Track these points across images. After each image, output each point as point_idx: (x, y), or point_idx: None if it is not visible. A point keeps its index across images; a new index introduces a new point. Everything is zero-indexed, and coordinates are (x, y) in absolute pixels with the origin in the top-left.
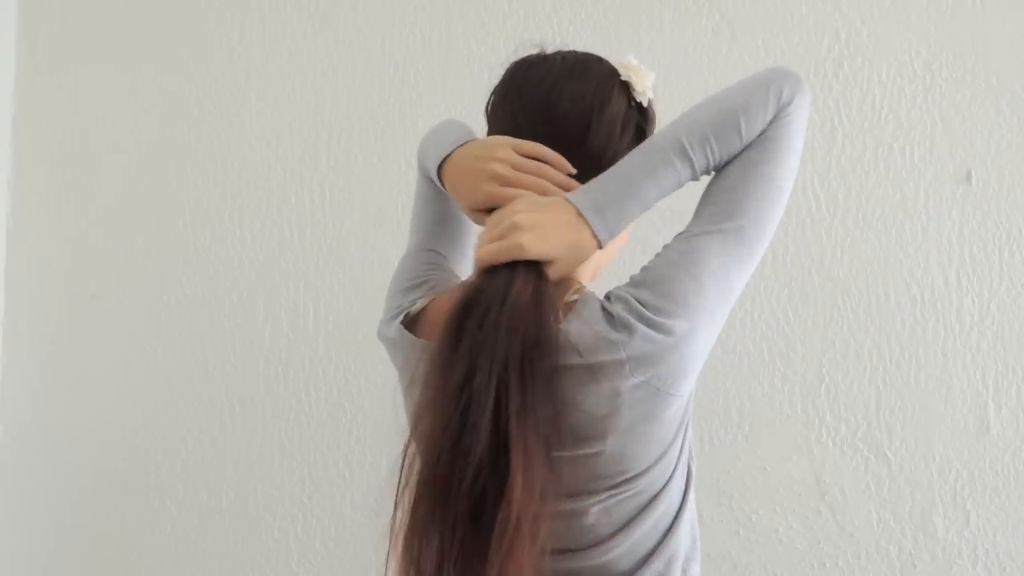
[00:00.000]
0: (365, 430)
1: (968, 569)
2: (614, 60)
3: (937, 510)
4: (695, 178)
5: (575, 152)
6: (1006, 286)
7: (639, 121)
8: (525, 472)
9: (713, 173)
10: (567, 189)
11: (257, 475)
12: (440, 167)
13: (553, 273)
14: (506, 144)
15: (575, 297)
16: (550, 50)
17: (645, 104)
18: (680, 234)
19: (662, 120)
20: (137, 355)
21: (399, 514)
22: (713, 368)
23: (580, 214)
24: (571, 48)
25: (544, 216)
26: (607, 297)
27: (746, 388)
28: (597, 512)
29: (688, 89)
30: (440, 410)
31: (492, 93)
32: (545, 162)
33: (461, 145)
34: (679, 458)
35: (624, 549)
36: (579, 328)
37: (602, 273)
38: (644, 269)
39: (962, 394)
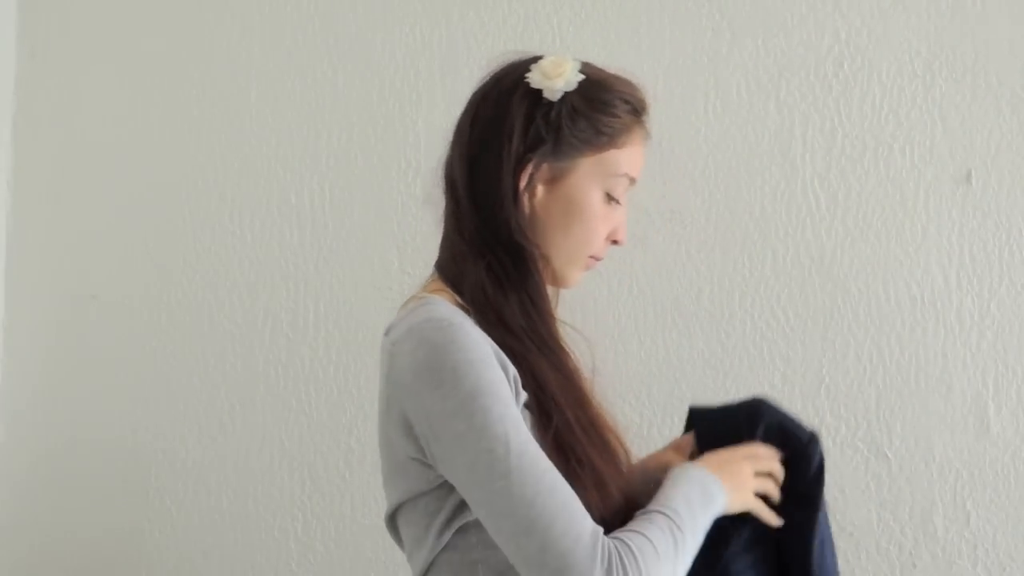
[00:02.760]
0: (365, 430)
1: (968, 569)
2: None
3: (937, 510)
4: None
5: None
6: (1006, 286)
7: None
8: None
9: None
10: None
11: (257, 475)
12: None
13: None
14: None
15: None
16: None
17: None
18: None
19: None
20: (137, 355)
21: None
22: (713, 368)
23: None
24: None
25: None
26: None
27: (746, 388)
28: None
29: (688, 89)
30: None
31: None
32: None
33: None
34: None
35: None
36: None
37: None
38: None
39: (962, 394)
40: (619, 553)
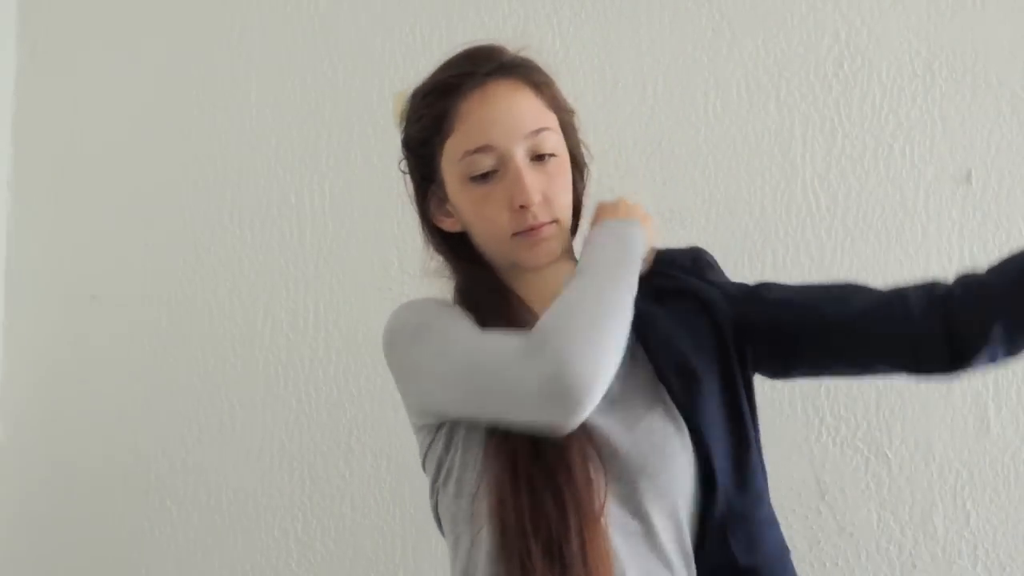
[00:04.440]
0: (365, 430)
1: (968, 569)
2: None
3: (937, 510)
4: None
5: None
6: None
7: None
8: None
9: None
10: None
11: (257, 475)
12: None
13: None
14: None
15: None
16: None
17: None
18: None
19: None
20: (137, 355)
21: None
22: None
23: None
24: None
25: None
26: None
27: None
28: None
29: (688, 89)
30: None
31: None
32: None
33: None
34: None
35: None
36: None
37: None
38: None
39: (962, 394)
40: (533, 334)
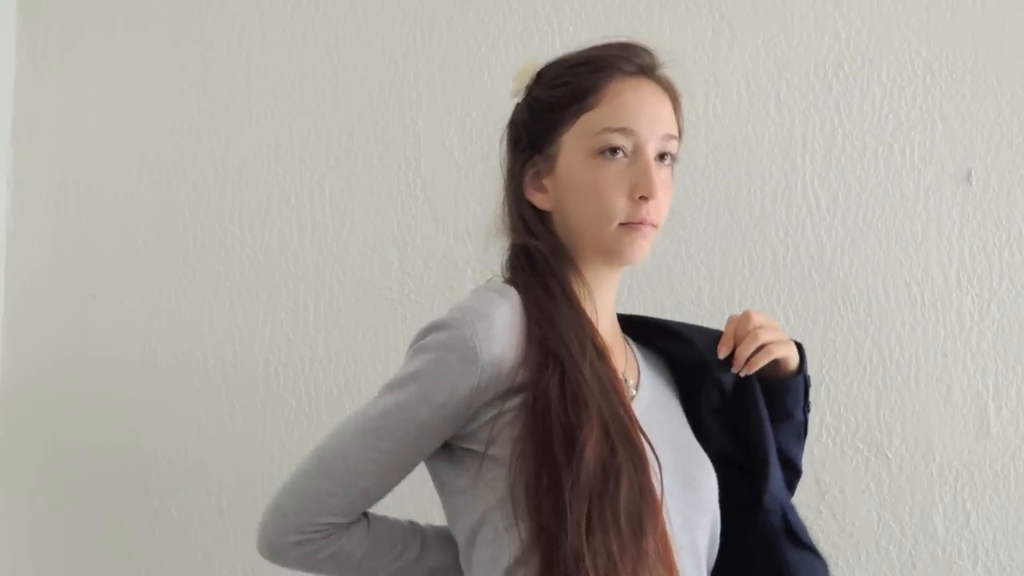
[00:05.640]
0: None
1: (968, 569)
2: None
3: (937, 510)
4: None
5: None
6: (1006, 286)
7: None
8: None
9: None
10: None
11: (257, 475)
12: None
13: None
14: None
15: None
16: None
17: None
18: None
19: None
20: (137, 355)
21: None
22: None
23: None
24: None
25: None
26: None
27: None
28: None
29: (688, 89)
30: None
31: None
32: None
33: None
34: None
35: None
36: None
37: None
38: None
39: (962, 394)
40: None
